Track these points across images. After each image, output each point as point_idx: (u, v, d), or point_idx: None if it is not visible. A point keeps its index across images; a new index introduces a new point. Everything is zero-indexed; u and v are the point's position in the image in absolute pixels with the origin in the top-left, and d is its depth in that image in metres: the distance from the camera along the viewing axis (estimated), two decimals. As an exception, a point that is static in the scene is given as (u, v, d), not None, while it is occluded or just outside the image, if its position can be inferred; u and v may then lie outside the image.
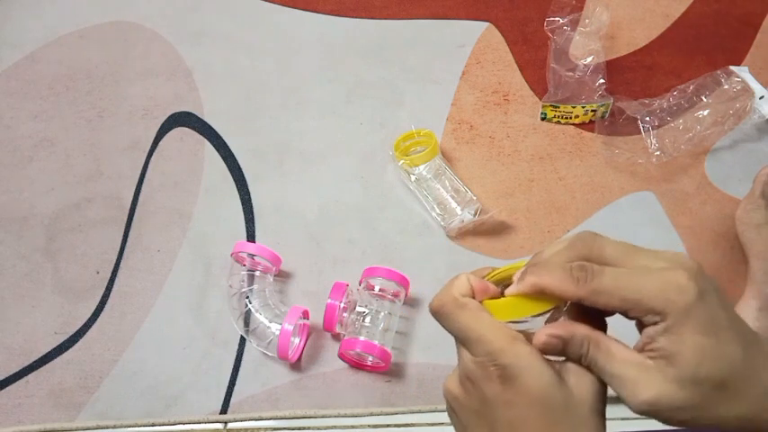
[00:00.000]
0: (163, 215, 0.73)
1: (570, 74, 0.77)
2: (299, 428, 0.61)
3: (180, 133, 0.80)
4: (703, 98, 0.74)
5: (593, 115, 0.77)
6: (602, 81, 0.76)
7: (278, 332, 0.60)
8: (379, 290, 0.63)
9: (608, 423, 0.33)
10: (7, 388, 0.63)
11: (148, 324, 0.66)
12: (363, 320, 0.62)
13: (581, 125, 0.78)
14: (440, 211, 0.70)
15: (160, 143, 0.79)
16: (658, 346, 0.29)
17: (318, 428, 0.61)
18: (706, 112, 0.73)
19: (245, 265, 0.65)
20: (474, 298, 0.35)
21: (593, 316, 0.33)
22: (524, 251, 0.69)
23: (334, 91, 0.83)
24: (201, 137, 0.79)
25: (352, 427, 0.61)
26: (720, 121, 0.73)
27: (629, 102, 0.75)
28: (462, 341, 0.34)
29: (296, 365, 0.63)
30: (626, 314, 0.30)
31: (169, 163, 0.77)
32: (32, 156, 0.79)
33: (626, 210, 0.72)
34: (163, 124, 0.80)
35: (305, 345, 0.64)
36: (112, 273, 0.70)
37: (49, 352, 0.65)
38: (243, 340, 0.65)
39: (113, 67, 0.86)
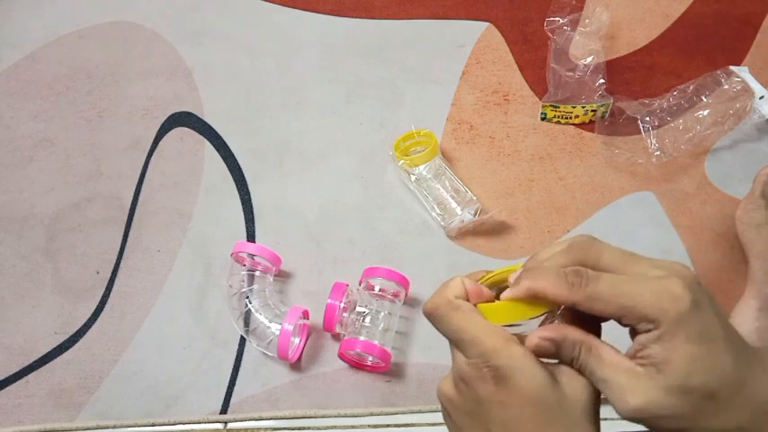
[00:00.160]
0: (163, 215, 0.73)
1: (570, 74, 0.77)
2: (299, 428, 0.61)
3: (180, 133, 0.80)
4: (703, 98, 0.74)
5: (593, 115, 0.77)
6: (602, 81, 0.76)
7: (278, 332, 0.60)
8: (379, 290, 0.63)
9: (605, 423, 0.33)
10: (7, 388, 0.63)
11: (148, 324, 0.66)
12: (363, 320, 0.62)
13: (581, 125, 0.78)
14: (440, 211, 0.70)
15: (160, 143, 0.79)
16: (649, 354, 0.29)
17: (318, 428, 0.61)
18: (706, 112, 0.73)
19: (245, 265, 0.65)
20: (468, 300, 0.35)
21: (588, 320, 0.33)
22: (524, 251, 0.69)
23: (334, 91, 0.83)
24: (201, 137, 0.79)
25: (352, 427, 0.61)
26: (720, 121, 0.73)
27: (629, 102, 0.75)
28: (456, 343, 0.34)
29: (296, 365, 0.63)
30: (620, 321, 0.30)
31: (169, 163, 0.77)
32: (32, 156, 0.79)
33: (626, 210, 0.72)
34: (163, 124, 0.80)
35: (305, 345, 0.64)
36: (112, 273, 0.70)
37: (49, 352, 0.65)
38: (243, 340, 0.65)
39: (113, 67, 0.86)
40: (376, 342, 0.59)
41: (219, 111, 0.81)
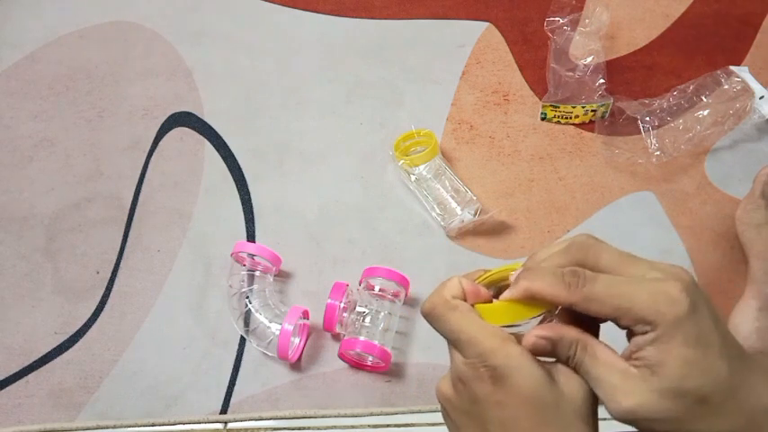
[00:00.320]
0: (163, 215, 0.73)
1: (570, 74, 0.77)
2: (299, 428, 0.61)
3: (180, 133, 0.80)
4: (703, 98, 0.74)
5: (593, 115, 0.77)
6: (602, 81, 0.76)
7: (278, 332, 0.60)
8: (379, 290, 0.63)
9: (603, 423, 0.33)
10: (7, 388, 0.63)
11: (148, 324, 0.66)
12: (363, 320, 0.62)
13: (581, 125, 0.78)
14: (440, 211, 0.70)
15: (160, 143, 0.79)
16: (644, 355, 0.29)
17: (318, 428, 0.61)
18: (706, 112, 0.73)
19: (245, 265, 0.65)
20: (465, 300, 0.35)
21: (587, 321, 0.33)
22: (524, 251, 0.69)
23: (334, 91, 0.83)
24: (201, 137, 0.79)
25: (352, 427, 0.61)
26: (720, 121, 0.73)
27: (629, 102, 0.75)
28: (453, 343, 0.34)
29: (296, 365, 0.63)
30: (617, 322, 0.30)
31: (169, 163, 0.77)
32: (32, 156, 0.79)
33: (626, 210, 0.72)
34: (163, 124, 0.80)
35: (305, 345, 0.64)
36: (112, 273, 0.70)
37: (49, 352, 0.65)
38: (243, 340, 0.65)
39: (113, 67, 0.86)
40: (376, 342, 0.59)
41: (219, 111, 0.81)
